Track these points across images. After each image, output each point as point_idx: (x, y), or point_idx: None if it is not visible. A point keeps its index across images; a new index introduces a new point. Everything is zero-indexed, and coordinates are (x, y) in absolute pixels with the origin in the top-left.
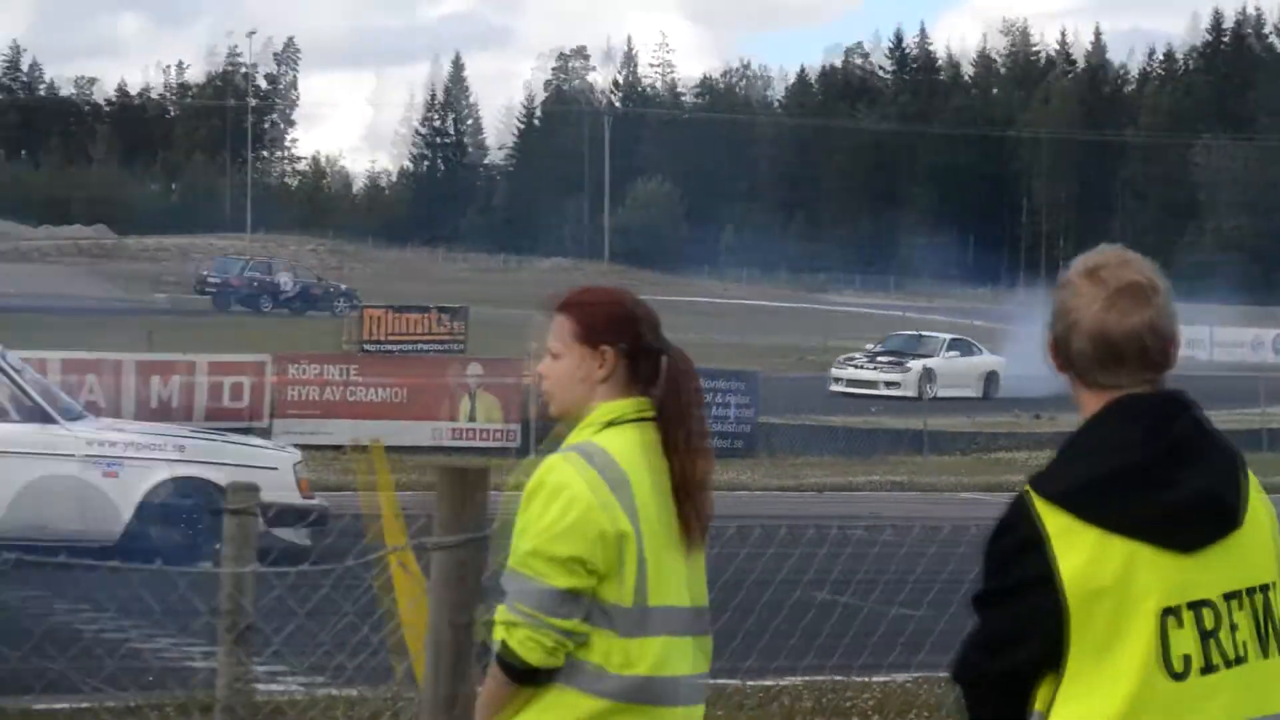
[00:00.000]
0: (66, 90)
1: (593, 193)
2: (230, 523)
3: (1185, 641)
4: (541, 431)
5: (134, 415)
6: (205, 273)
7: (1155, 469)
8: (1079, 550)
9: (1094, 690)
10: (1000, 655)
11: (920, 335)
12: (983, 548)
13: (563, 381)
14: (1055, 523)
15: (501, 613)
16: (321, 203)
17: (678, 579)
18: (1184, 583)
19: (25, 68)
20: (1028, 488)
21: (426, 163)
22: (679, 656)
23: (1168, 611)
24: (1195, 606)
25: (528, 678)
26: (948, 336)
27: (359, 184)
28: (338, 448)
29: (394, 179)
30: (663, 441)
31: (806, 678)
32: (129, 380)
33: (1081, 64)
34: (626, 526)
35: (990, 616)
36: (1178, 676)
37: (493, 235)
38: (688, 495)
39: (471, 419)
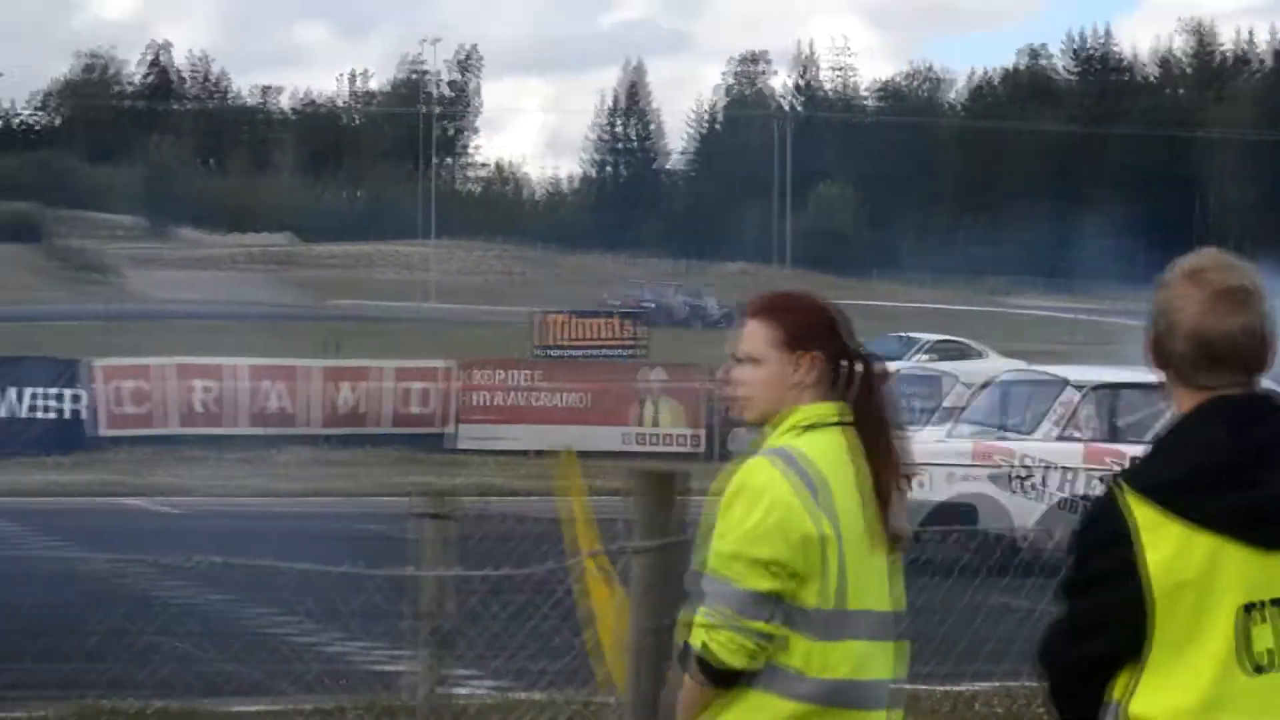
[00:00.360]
0: (251, 99)
1: (772, 197)
2: (430, 527)
3: (1266, 637)
4: (726, 437)
5: (320, 422)
6: (640, 296)
7: (1240, 468)
8: (1164, 544)
9: (1173, 683)
10: (1081, 642)
11: (904, 337)
12: (1071, 537)
13: (760, 387)
14: (1142, 516)
15: (700, 615)
16: (503, 209)
17: (875, 583)
18: (1267, 580)
19: (212, 77)
20: (1117, 481)
21: (607, 168)
22: (875, 661)
23: (1249, 607)
24: (1278, 603)
25: (725, 680)
26: (930, 339)
27: (540, 190)
28: (520, 453)
29: (575, 184)
30: (862, 445)
31: (999, 683)
32: (315, 386)
33: (1265, 63)
34: (825, 529)
35: (1075, 604)
36: (1258, 671)
37: (672, 240)
38: (886, 499)
39: (654, 424)
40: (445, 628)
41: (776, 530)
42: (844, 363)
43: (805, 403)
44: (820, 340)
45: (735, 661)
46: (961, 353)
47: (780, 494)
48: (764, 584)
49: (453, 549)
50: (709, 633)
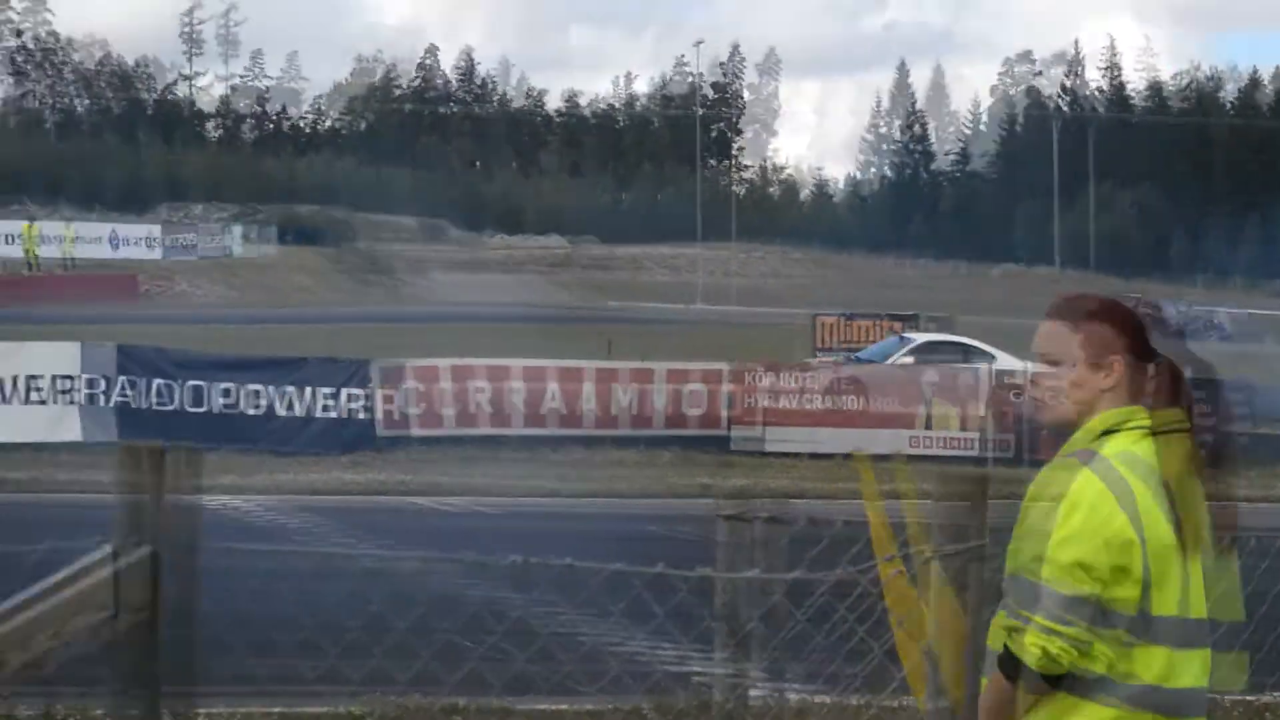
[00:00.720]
0: (525, 103)
1: (1047, 198)
2: (725, 528)
3: None
4: (1000, 441)
5: (593, 423)
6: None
7: None
8: None
9: None
10: None
11: (902, 338)
12: None
13: (1067, 390)
14: None
15: (1011, 618)
16: (777, 211)
17: (1184, 589)
18: None
19: (487, 81)
20: None
21: (883, 170)
22: (1184, 668)
23: None
24: None
25: (1033, 683)
26: (921, 339)
27: (811, 191)
28: (795, 455)
29: (846, 186)
30: (1168, 451)
31: None
32: (588, 387)
33: None
34: (1133, 534)
35: None
36: None
37: (943, 241)
38: (1194, 505)
39: (928, 427)
40: (744, 630)
41: (1084, 534)
42: (1147, 367)
43: (1110, 407)
44: (1126, 344)
45: (1043, 665)
46: (964, 355)
47: (1093, 498)
48: (1073, 588)
49: (746, 551)
50: (1016, 636)
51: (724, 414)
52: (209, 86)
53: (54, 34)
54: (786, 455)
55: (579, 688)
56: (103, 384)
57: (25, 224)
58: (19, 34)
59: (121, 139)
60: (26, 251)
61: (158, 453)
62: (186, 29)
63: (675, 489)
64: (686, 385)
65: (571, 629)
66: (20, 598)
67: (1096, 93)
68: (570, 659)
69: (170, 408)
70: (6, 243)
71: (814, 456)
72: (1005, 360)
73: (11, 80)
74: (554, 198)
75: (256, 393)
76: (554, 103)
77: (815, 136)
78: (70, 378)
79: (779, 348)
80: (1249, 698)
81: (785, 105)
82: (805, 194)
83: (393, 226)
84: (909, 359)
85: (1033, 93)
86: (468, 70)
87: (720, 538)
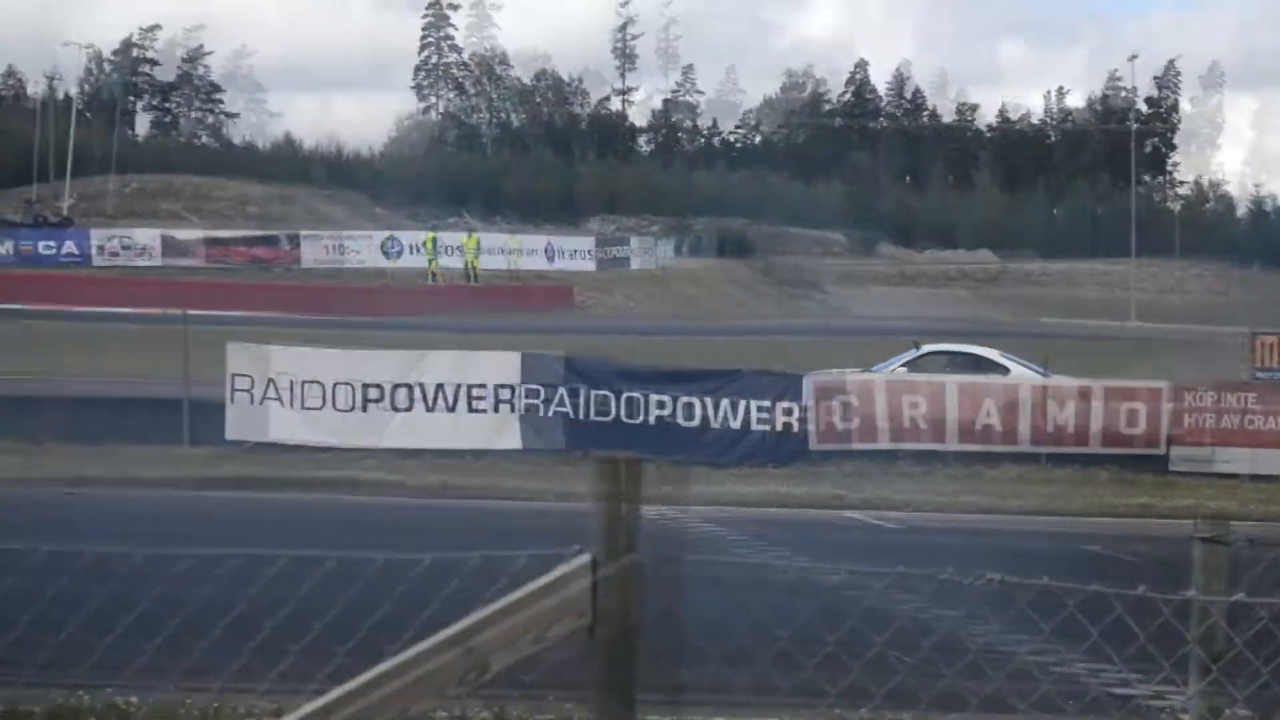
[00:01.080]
0: (951, 116)
1: None
2: (1201, 550)
3: None
4: None
5: (1030, 440)
6: None
7: None
8: None
9: None
10: None
11: (918, 345)
12: None
13: None
14: None
15: None
16: (1214, 227)
17: None
18: None
19: (912, 94)
20: None
21: None
22: None
23: None
24: None
25: None
26: (929, 348)
27: (1252, 208)
28: (1234, 476)
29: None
30: None
31: None
32: (1025, 404)
33: None
34: None
35: None
36: None
37: None
38: None
39: None
40: (1224, 656)
41: None
42: None
43: None
44: None
45: None
46: (977, 367)
47: None
48: None
49: (1224, 573)
50: None
51: (1164, 433)
52: (647, 100)
53: (495, 49)
54: (1228, 476)
55: (1015, 705)
56: (543, 393)
57: (465, 236)
58: (459, 50)
59: (556, 153)
60: (467, 263)
61: (635, 464)
62: (619, 44)
63: (1115, 508)
64: (1126, 403)
65: (1005, 647)
66: (504, 602)
67: None
68: (1000, 675)
69: (608, 418)
70: (447, 254)
71: (1255, 478)
72: (1019, 373)
73: (453, 95)
74: (985, 212)
75: (692, 404)
76: (986, 117)
77: (1253, 151)
78: (510, 387)
79: (1216, 366)
80: None
81: (1222, 119)
82: (1243, 210)
83: (823, 240)
84: (902, 369)
85: None
86: (898, 84)
87: (1196, 560)
